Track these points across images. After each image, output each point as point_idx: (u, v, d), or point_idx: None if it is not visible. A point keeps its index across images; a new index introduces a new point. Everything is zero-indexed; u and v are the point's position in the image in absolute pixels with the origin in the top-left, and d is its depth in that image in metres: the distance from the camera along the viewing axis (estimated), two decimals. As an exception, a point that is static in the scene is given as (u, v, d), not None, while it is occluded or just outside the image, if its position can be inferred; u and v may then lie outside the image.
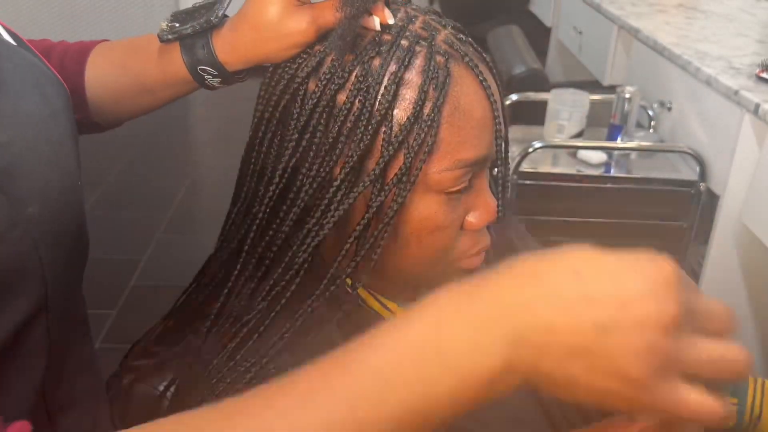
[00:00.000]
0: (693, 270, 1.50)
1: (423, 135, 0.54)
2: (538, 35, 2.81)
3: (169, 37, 0.67)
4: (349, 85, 0.54)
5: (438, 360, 0.37)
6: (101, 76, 0.72)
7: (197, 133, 3.72)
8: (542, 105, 1.64)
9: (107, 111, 0.73)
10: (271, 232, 0.58)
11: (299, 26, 0.58)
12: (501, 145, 0.58)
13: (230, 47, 0.66)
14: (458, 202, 0.59)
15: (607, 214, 1.51)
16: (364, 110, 0.53)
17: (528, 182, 1.47)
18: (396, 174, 0.55)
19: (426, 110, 0.54)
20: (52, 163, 0.55)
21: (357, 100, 0.53)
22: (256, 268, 0.59)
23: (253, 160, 0.59)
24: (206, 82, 0.69)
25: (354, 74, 0.54)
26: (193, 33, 0.66)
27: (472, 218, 0.60)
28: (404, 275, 0.63)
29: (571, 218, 1.51)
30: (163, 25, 0.67)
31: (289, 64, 0.58)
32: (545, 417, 0.72)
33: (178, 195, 2.79)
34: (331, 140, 0.54)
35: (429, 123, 0.54)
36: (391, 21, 0.55)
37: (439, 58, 0.55)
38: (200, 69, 0.68)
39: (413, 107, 0.54)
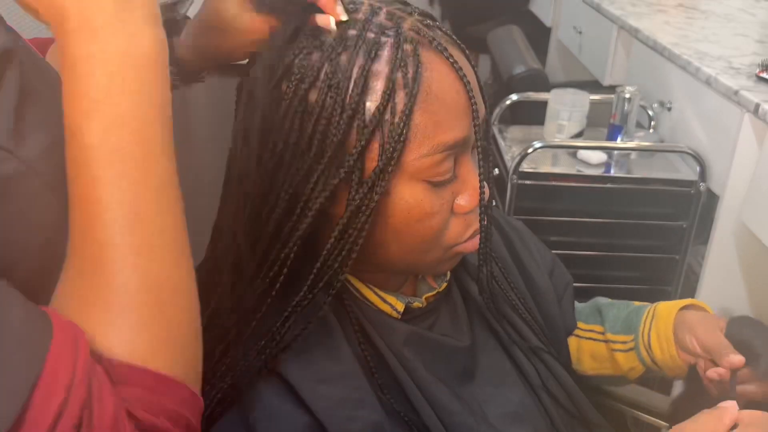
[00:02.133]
0: (693, 270, 1.50)
1: (398, 124, 0.54)
2: (538, 35, 2.81)
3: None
4: (318, 83, 0.54)
5: None
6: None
7: (197, 133, 3.72)
8: (542, 105, 1.64)
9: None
10: (257, 233, 0.58)
11: (252, 24, 0.59)
12: (478, 124, 0.58)
13: (189, 45, 0.67)
14: (444, 187, 0.59)
15: (607, 214, 1.51)
16: (336, 105, 0.54)
17: (528, 182, 1.47)
18: (375, 165, 0.55)
19: (398, 99, 0.54)
20: None
21: (328, 97, 0.54)
22: (247, 267, 0.59)
23: (236, 163, 0.60)
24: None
25: (323, 71, 0.54)
26: None
27: (461, 201, 0.60)
28: (398, 264, 0.63)
29: (571, 218, 1.51)
30: None
31: (259, 69, 0.58)
32: (545, 414, 0.72)
33: (178, 195, 2.79)
34: (307, 138, 0.54)
35: (403, 111, 0.54)
36: (343, 17, 0.56)
37: (406, 46, 0.55)
38: None
39: (383, 97, 0.54)
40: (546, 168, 1.52)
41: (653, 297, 1.55)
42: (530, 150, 1.43)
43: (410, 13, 0.58)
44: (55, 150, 0.50)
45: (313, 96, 0.54)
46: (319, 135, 0.54)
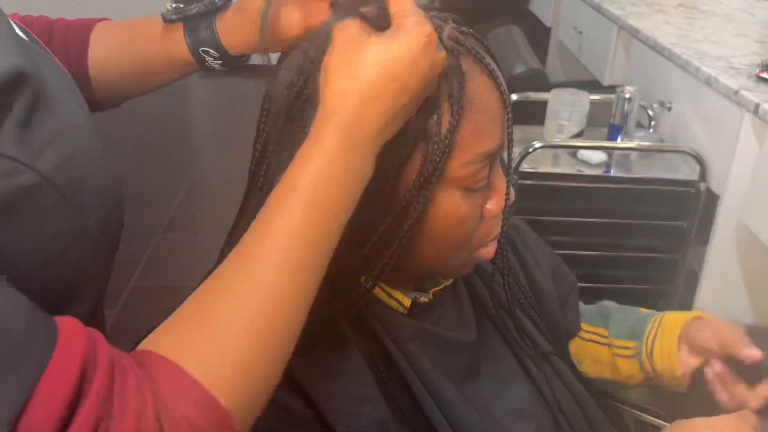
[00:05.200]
0: (693, 270, 1.50)
1: (445, 136, 0.55)
2: (538, 35, 2.81)
3: (174, 17, 0.68)
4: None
5: None
6: (104, 56, 0.73)
7: (197, 133, 3.71)
8: (542, 105, 1.64)
9: (109, 90, 0.74)
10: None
11: (290, 23, 0.60)
12: (511, 134, 0.60)
13: (232, 32, 0.67)
14: (477, 193, 0.60)
15: (607, 214, 1.51)
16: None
17: (528, 182, 1.47)
18: (420, 173, 0.55)
19: (442, 110, 0.55)
20: (105, 173, 0.56)
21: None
22: None
23: (262, 172, 0.59)
24: (207, 63, 0.70)
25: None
26: (197, 14, 0.67)
27: (490, 205, 0.62)
28: (425, 268, 0.64)
29: (571, 218, 1.51)
30: (168, 5, 0.68)
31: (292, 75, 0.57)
32: (548, 411, 0.72)
33: (178, 195, 2.79)
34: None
35: (450, 122, 0.54)
36: None
37: (449, 57, 0.55)
38: (202, 50, 0.69)
39: (428, 108, 0.54)
40: (546, 168, 1.52)
41: (653, 297, 1.55)
42: (530, 150, 1.43)
43: (446, 20, 0.58)
44: (71, 162, 0.50)
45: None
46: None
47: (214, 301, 0.46)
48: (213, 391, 0.42)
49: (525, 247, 0.83)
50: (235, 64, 0.71)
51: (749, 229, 1.24)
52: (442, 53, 0.52)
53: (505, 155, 0.62)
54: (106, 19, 0.76)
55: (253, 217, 0.58)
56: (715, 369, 0.75)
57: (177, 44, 0.69)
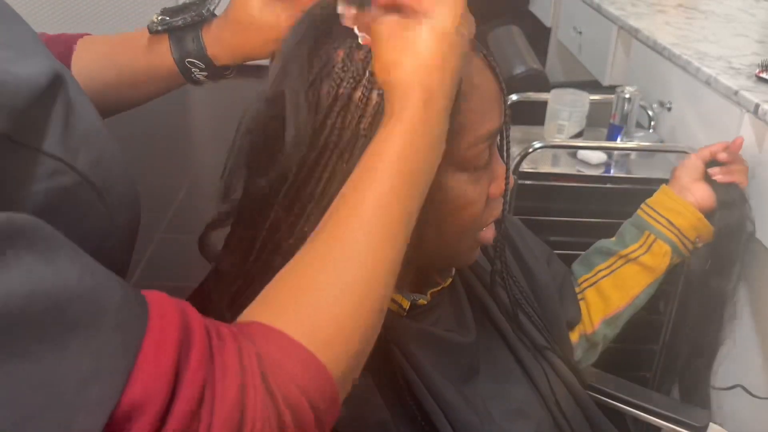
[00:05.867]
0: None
1: (451, 116, 0.55)
2: (538, 35, 2.81)
3: (159, 28, 0.68)
4: (363, 81, 0.55)
5: None
6: (87, 69, 0.73)
7: (197, 133, 3.71)
8: (542, 105, 1.64)
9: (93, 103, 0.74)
10: (287, 229, 0.57)
11: (277, 20, 0.62)
12: (508, 114, 0.62)
13: (218, 41, 0.68)
14: (482, 175, 0.62)
15: (607, 214, 1.50)
16: (382, 102, 0.54)
17: (528, 182, 1.47)
18: None
19: None
20: (125, 174, 0.58)
21: (373, 94, 0.55)
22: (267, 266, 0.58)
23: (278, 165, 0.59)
24: (193, 76, 0.70)
25: (367, 71, 0.55)
26: (183, 25, 0.67)
27: (494, 186, 0.64)
28: (432, 257, 0.64)
29: (571, 218, 1.51)
30: (154, 17, 0.68)
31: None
32: (548, 411, 0.72)
33: (178, 195, 2.79)
34: (349, 136, 0.55)
35: (456, 105, 0.55)
36: None
37: None
38: (188, 62, 0.69)
39: None
40: (546, 168, 1.52)
41: (652, 296, 1.55)
42: (530, 150, 1.43)
43: None
44: (101, 163, 0.52)
45: (357, 94, 0.55)
46: (363, 132, 0.55)
47: (310, 269, 0.47)
48: (317, 354, 0.44)
49: (520, 239, 0.83)
50: (220, 76, 0.72)
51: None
52: (471, 28, 0.55)
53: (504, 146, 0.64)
54: (88, 34, 0.76)
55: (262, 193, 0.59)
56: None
57: (163, 56, 0.69)
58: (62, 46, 0.73)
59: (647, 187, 1.50)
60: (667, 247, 0.94)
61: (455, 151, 0.58)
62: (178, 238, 2.52)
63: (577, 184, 1.51)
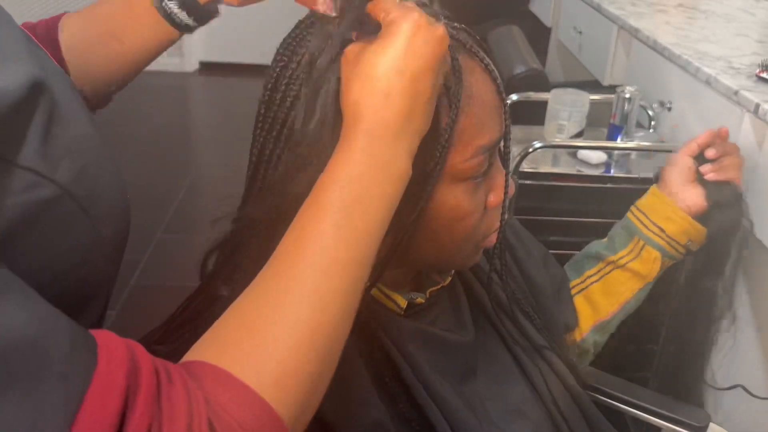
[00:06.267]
0: (693, 270, 1.50)
1: (445, 130, 0.55)
2: (538, 35, 2.81)
3: None
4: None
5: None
6: (72, 32, 0.71)
7: (197, 133, 3.71)
8: (542, 105, 1.64)
9: (87, 76, 0.72)
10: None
11: None
12: (509, 125, 0.61)
13: None
14: (480, 185, 0.61)
15: (607, 214, 1.50)
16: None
17: (528, 182, 1.47)
18: (422, 169, 0.55)
19: (441, 105, 0.55)
20: (115, 183, 0.56)
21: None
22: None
23: (263, 167, 0.59)
24: (175, 18, 0.68)
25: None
26: None
27: (494, 196, 0.63)
28: (430, 262, 0.64)
29: (571, 218, 1.51)
30: None
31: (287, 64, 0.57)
32: (546, 411, 0.72)
33: (178, 195, 2.79)
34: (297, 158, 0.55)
35: (449, 117, 0.55)
36: None
37: None
38: (166, 3, 0.67)
39: None
40: (546, 168, 1.52)
41: (652, 296, 1.55)
42: (530, 150, 1.43)
43: (437, 17, 0.58)
44: (86, 173, 0.50)
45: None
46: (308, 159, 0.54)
47: (258, 307, 0.46)
48: (264, 395, 0.42)
49: (518, 241, 0.83)
50: (206, 16, 0.70)
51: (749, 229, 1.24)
52: (440, 27, 0.52)
53: (505, 153, 0.63)
54: (62, 14, 0.76)
55: (250, 222, 0.58)
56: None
57: (145, 4, 0.68)
58: (47, 24, 0.72)
59: (647, 187, 1.50)
60: (656, 253, 0.92)
61: (451, 163, 0.57)
62: (178, 238, 2.52)
63: (577, 184, 1.51)
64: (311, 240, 0.47)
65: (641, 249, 0.92)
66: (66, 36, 0.71)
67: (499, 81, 0.59)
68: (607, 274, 0.92)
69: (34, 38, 0.69)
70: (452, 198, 0.59)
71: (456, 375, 0.67)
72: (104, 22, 0.72)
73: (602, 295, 0.92)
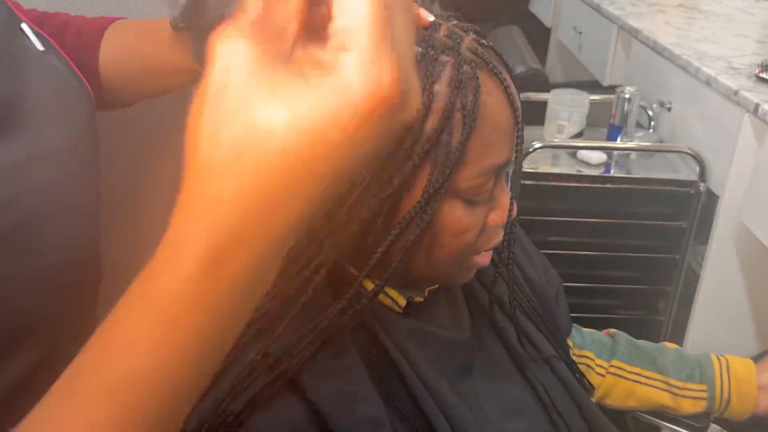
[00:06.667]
0: (693, 270, 1.50)
1: (456, 148, 0.54)
2: (538, 35, 2.81)
3: (182, 25, 0.67)
4: None
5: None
6: (114, 57, 0.72)
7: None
8: (542, 105, 1.64)
9: (119, 92, 0.73)
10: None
11: None
12: (520, 150, 0.59)
13: None
14: (480, 205, 0.60)
15: (607, 214, 1.51)
16: None
17: (528, 182, 1.47)
18: (429, 185, 0.55)
19: (455, 121, 0.54)
20: (72, 205, 0.52)
21: None
22: None
23: None
24: None
25: None
26: (205, 24, 0.66)
27: (493, 217, 0.61)
28: (420, 274, 0.64)
29: (571, 218, 1.51)
30: (177, 13, 0.67)
31: None
32: (543, 409, 0.72)
33: (178, 195, 2.79)
34: None
35: (462, 135, 0.54)
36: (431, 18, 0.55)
37: (466, 68, 0.55)
38: None
39: (441, 119, 0.54)
40: (546, 168, 1.52)
41: (653, 297, 1.55)
42: (530, 150, 1.43)
43: (466, 32, 0.57)
44: (20, 201, 0.46)
45: None
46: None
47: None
48: None
49: (520, 248, 0.83)
50: None
51: (749, 229, 1.24)
52: (413, 106, 0.31)
53: (510, 170, 0.62)
54: (121, 18, 0.76)
55: None
56: None
57: (184, 53, 0.68)
58: (93, 31, 0.72)
59: (647, 187, 1.51)
60: (704, 406, 0.92)
61: (454, 180, 0.56)
62: (178, 238, 2.52)
63: (577, 184, 1.51)
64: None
65: (699, 397, 0.92)
66: (105, 60, 0.71)
67: (517, 105, 0.58)
68: (654, 387, 0.93)
69: (41, 32, 0.69)
70: (451, 214, 0.58)
71: (453, 372, 0.67)
72: (148, 64, 0.72)
73: (631, 397, 0.93)
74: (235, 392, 0.54)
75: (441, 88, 0.54)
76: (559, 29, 2.71)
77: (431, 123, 0.54)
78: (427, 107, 0.53)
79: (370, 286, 0.65)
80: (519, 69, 1.84)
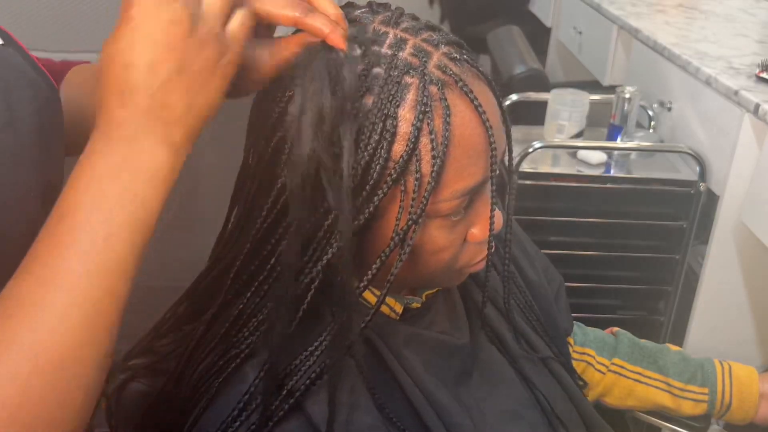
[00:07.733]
0: (693, 270, 1.50)
1: (426, 175, 0.52)
2: (538, 35, 2.81)
3: None
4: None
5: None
6: (70, 99, 0.70)
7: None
8: (542, 105, 1.64)
9: (72, 134, 0.70)
10: (262, 257, 0.56)
11: (260, 60, 0.55)
12: (495, 167, 0.57)
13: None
14: (458, 222, 0.58)
15: (607, 214, 1.51)
16: (360, 151, 0.51)
17: (528, 182, 1.47)
18: (403, 214, 0.54)
19: (422, 146, 0.52)
20: None
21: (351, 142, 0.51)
22: (246, 285, 0.58)
23: (246, 186, 0.58)
24: None
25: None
26: None
27: (475, 231, 0.60)
28: (409, 282, 0.63)
29: (571, 218, 1.51)
30: None
31: (275, 99, 0.55)
32: (542, 413, 0.72)
33: (178, 195, 2.79)
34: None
35: (431, 162, 0.52)
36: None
37: (432, 89, 0.52)
38: None
39: (407, 145, 0.52)
40: (546, 168, 1.52)
41: (653, 297, 1.55)
42: (530, 150, 1.43)
43: (436, 45, 0.54)
44: None
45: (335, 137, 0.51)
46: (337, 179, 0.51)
47: None
48: None
49: (520, 249, 0.83)
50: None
51: (749, 229, 1.24)
52: (175, 8, 0.46)
53: (488, 187, 0.59)
54: (85, 62, 0.76)
55: (240, 226, 0.58)
56: None
57: None
58: (55, 74, 0.71)
59: (647, 187, 1.51)
60: (705, 408, 0.93)
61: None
62: (178, 238, 2.52)
63: (577, 184, 1.51)
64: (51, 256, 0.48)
65: (700, 399, 0.93)
66: (66, 99, 0.70)
67: (488, 125, 0.54)
68: (655, 387, 0.93)
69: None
70: (424, 234, 0.56)
71: (451, 377, 0.66)
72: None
73: (632, 396, 0.93)
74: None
75: (404, 112, 0.52)
76: (559, 29, 2.71)
77: (397, 150, 0.52)
78: (392, 133, 0.51)
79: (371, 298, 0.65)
80: (519, 69, 1.84)
